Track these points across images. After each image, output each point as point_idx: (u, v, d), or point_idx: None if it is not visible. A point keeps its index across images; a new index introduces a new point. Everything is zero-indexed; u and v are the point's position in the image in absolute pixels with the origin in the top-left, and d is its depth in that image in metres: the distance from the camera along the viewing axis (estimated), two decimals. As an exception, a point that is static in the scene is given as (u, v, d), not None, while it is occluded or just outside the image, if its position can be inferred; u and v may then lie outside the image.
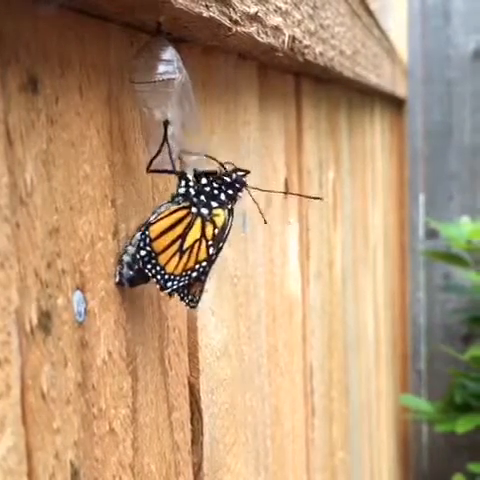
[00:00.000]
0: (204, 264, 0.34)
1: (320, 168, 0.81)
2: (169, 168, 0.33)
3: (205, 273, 0.34)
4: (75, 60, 0.28)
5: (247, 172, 0.35)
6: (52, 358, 0.26)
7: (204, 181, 0.34)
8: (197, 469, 0.42)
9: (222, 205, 0.34)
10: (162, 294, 0.34)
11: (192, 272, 0.33)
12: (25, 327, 0.24)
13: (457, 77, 1.93)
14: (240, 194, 0.35)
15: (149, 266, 0.32)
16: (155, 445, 0.36)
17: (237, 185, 0.35)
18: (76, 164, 0.28)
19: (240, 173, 0.35)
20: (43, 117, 0.26)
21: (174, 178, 0.38)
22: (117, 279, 0.32)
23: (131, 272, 0.32)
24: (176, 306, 0.39)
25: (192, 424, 0.42)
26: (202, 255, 0.33)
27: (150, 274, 0.33)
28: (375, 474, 1.35)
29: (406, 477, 1.96)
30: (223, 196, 0.34)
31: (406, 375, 1.97)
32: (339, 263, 0.94)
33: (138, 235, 0.33)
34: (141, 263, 0.32)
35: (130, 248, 0.33)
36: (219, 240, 0.34)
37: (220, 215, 0.34)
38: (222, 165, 0.35)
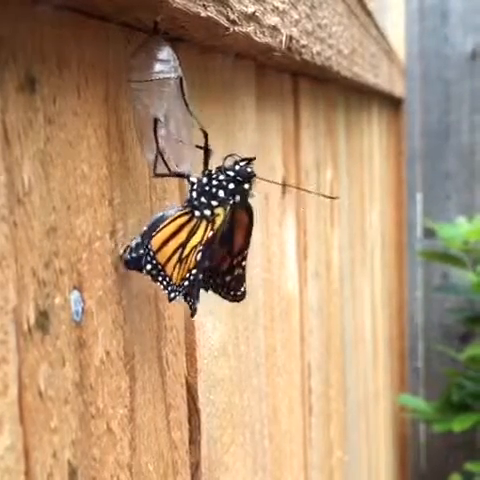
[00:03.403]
0: (194, 272, 0.32)
1: (318, 168, 0.81)
2: (166, 168, 0.33)
3: (196, 281, 0.32)
4: (73, 60, 0.28)
5: (250, 160, 0.33)
6: (50, 357, 0.26)
7: (205, 180, 0.33)
8: (195, 468, 0.42)
9: (222, 203, 0.32)
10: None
11: (185, 281, 0.32)
12: (23, 326, 0.24)
13: (455, 77, 1.93)
14: (246, 186, 0.33)
15: (160, 278, 0.32)
16: (153, 444, 0.36)
17: (239, 178, 0.33)
18: (74, 164, 0.28)
19: (242, 164, 0.33)
20: (41, 117, 0.26)
21: (174, 179, 0.38)
22: (120, 253, 0.32)
23: (128, 257, 0.32)
24: (173, 305, 0.39)
25: (190, 423, 0.42)
26: (192, 263, 0.32)
27: (162, 286, 0.32)
28: (373, 473, 1.35)
29: (404, 476, 1.96)
30: (222, 192, 0.32)
31: (404, 374, 1.97)
32: (337, 263, 0.94)
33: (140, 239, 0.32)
34: (151, 277, 0.32)
35: (135, 240, 0.32)
36: (212, 243, 0.32)
37: (220, 215, 0.32)
38: (206, 146, 0.33)
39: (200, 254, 0.32)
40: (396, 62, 1.58)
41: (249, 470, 0.54)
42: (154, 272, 0.32)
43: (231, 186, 0.32)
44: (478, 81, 1.92)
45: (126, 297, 0.33)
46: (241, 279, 0.35)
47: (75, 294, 0.28)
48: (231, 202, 0.33)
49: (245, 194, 0.33)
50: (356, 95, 1.14)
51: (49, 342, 0.26)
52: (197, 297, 0.33)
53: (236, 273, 0.35)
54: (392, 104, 1.80)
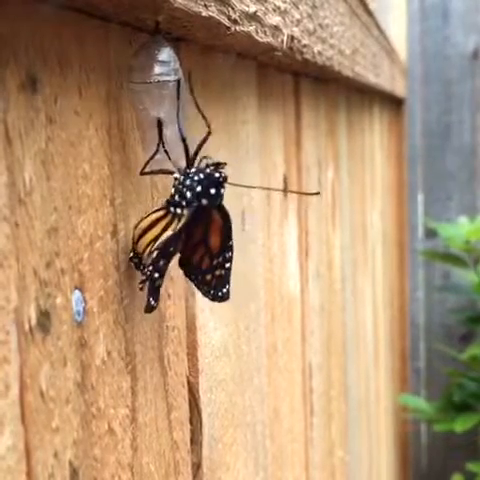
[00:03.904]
0: (150, 268, 0.32)
1: (319, 167, 0.81)
2: (169, 167, 0.33)
3: (152, 278, 0.32)
4: (74, 59, 0.28)
5: (219, 164, 0.33)
6: (51, 357, 0.26)
7: (182, 179, 0.33)
8: (196, 468, 0.42)
9: (188, 204, 0.32)
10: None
11: (143, 275, 0.32)
12: (24, 326, 0.24)
13: (456, 77, 1.93)
14: (213, 191, 0.33)
15: (141, 267, 0.32)
16: (154, 445, 0.36)
17: (205, 182, 0.33)
18: (75, 163, 0.28)
19: (212, 168, 0.33)
20: (42, 116, 0.26)
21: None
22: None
23: None
24: (175, 305, 0.39)
25: (191, 423, 0.42)
26: (149, 260, 0.32)
27: (145, 277, 0.32)
28: (374, 473, 1.35)
29: (405, 476, 1.96)
30: (189, 194, 0.32)
31: (405, 374, 1.97)
32: (338, 263, 0.94)
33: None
34: (134, 264, 0.33)
35: None
36: (170, 243, 0.32)
37: (185, 216, 0.32)
38: (185, 143, 0.33)
39: (156, 252, 0.32)
40: (397, 62, 1.58)
41: (250, 470, 0.54)
42: (136, 260, 0.32)
43: (198, 189, 0.33)
44: (479, 81, 1.92)
45: (127, 297, 0.33)
46: (223, 280, 0.35)
47: (76, 294, 0.28)
48: (195, 205, 0.33)
49: (213, 198, 0.33)
50: (357, 95, 1.14)
51: (50, 342, 0.26)
52: (153, 295, 0.32)
53: (217, 273, 0.35)
54: (393, 104, 1.80)
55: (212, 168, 0.33)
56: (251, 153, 0.54)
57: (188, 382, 0.41)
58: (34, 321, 0.25)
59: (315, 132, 0.79)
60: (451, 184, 1.94)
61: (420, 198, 1.98)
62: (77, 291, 0.28)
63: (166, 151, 0.33)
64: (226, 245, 0.35)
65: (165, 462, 0.37)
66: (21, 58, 0.24)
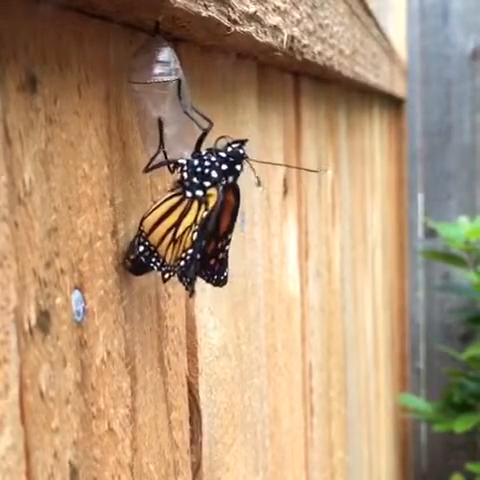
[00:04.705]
0: (190, 251, 0.32)
1: (319, 167, 0.81)
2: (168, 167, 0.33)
3: (193, 260, 0.32)
4: (74, 59, 0.28)
5: (242, 142, 0.33)
6: (51, 358, 0.26)
7: (196, 162, 0.33)
8: (196, 469, 0.42)
9: (215, 183, 0.32)
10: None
11: (180, 261, 0.32)
12: (24, 326, 0.24)
13: (456, 77, 1.93)
14: (238, 167, 0.33)
15: (153, 260, 0.32)
16: (154, 445, 0.36)
17: (231, 159, 0.33)
18: (75, 164, 0.28)
19: (235, 145, 0.33)
20: (42, 117, 0.26)
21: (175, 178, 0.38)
22: (128, 263, 0.32)
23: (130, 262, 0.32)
24: (175, 305, 0.39)
25: (191, 424, 0.42)
26: (188, 243, 0.32)
27: (155, 267, 0.32)
28: (374, 473, 1.35)
29: (405, 476, 1.96)
30: (215, 173, 0.32)
31: (405, 374, 1.97)
32: (338, 263, 0.94)
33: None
34: (143, 258, 0.32)
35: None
36: (208, 222, 0.32)
37: (213, 195, 0.32)
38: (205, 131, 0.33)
39: (196, 234, 0.31)
40: (397, 62, 1.58)
41: (250, 470, 0.54)
42: (147, 253, 0.32)
43: (224, 167, 0.33)
44: (479, 81, 1.92)
45: (127, 297, 0.33)
46: (224, 263, 0.35)
47: (76, 294, 0.28)
48: (224, 183, 0.33)
49: (238, 174, 0.33)
50: (357, 95, 1.14)
51: (50, 342, 0.26)
52: (194, 277, 0.32)
53: (220, 257, 0.35)
54: (393, 104, 1.80)
55: (236, 145, 0.33)
56: (251, 153, 0.54)
57: (188, 382, 0.41)
58: (34, 321, 0.25)
59: (315, 132, 0.79)
60: (451, 184, 1.94)
61: (420, 198, 1.98)
62: (77, 291, 0.28)
63: (164, 152, 0.33)
64: (231, 226, 0.34)
65: (165, 462, 0.37)
66: (21, 58, 0.24)
